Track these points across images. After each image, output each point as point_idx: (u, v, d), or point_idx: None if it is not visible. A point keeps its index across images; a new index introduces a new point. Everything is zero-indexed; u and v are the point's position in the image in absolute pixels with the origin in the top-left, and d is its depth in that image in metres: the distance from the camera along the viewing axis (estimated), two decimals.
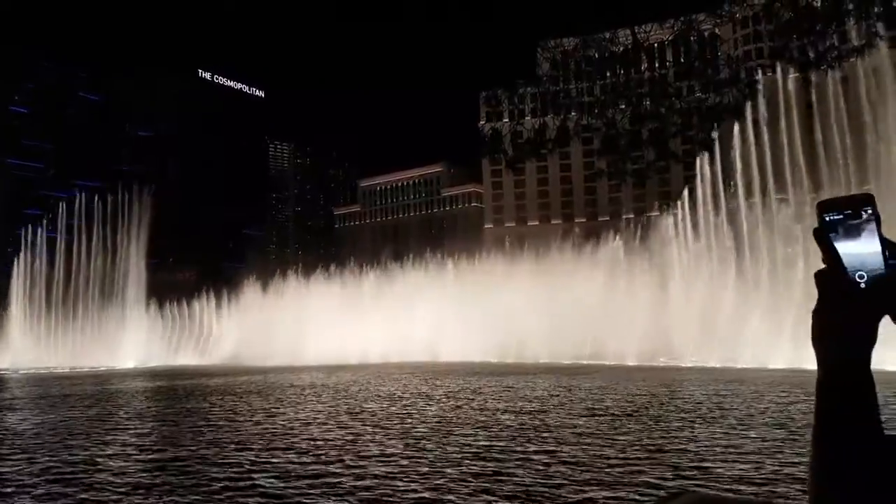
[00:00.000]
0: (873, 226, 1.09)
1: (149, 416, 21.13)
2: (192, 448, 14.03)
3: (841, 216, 1.10)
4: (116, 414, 21.41)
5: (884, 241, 1.08)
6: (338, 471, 11.36)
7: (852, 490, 1.03)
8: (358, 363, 55.72)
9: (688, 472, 10.61)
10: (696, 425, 15.54)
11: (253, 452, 13.29)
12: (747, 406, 19.06)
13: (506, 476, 10.61)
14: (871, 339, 1.07)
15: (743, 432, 14.36)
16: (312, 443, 14.34)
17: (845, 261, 1.07)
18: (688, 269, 51.18)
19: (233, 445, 14.23)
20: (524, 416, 18.05)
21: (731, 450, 12.39)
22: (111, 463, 12.65)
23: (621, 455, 12.08)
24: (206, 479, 10.96)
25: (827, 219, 1.11)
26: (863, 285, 1.05)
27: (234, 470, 11.59)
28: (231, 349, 74.49)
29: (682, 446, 12.89)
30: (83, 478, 11.34)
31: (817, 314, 1.10)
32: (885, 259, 1.07)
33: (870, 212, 1.10)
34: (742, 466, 10.95)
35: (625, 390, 24.93)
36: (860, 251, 1.07)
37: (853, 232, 1.09)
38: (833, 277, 1.08)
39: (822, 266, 1.11)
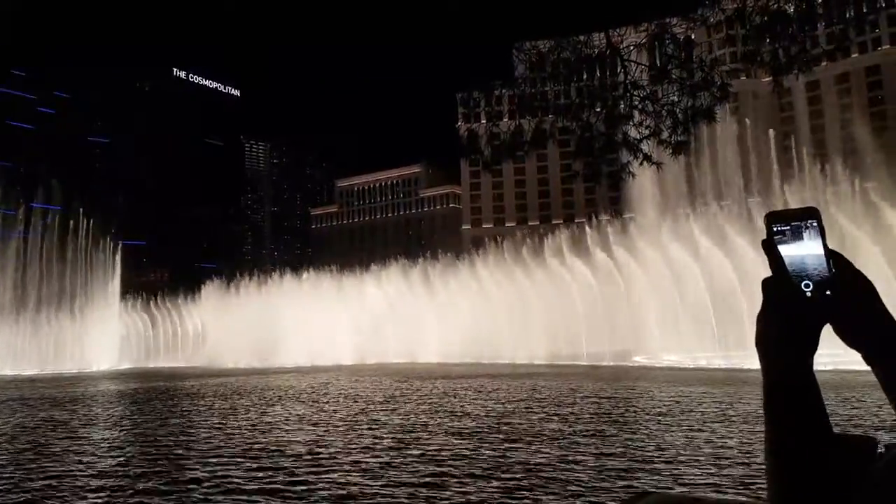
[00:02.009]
0: (818, 237, 1.14)
1: (109, 420, 20.62)
2: (152, 452, 13.70)
3: (788, 227, 1.15)
4: (77, 418, 20.88)
5: (828, 252, 1.13)
6: (300, 478, 11.13)
7: (807, 491, 1.06)
8: (334, 365, 55.29)
9: (660, 474, 10.58)
10: (670, 427, 15.56)
11: (214, 457, 12.99)
12: (718, 407, 19.20)
13: (477, 479, 10.47)
14: (812, 346, 1.12)
15: (717, 433, 14.42)
16: (276, 448, 14.08)
17: (791, 270, 1.12)
18: (660, 271, 51.46)
19: (193, 450, 13.92)
20: (495, 419, 17.95)
21: (707, 451, 12.41)
22: (72, 466, 12.28)
23: (594, 458, 12.02)
24: (171, 482, 10.67)
25: (775, 229, 1.16)
26: (808, 294, 1.10)
27: (193, 474, 11.32)
28: (206, 351, 73.56)
29: (654, 448, 12.87)
30: (34, 485, 10.99)
31: (762, 319, 1.14)
32: (829, 270, 1.12)
33: (815, 224, 1.14)
34: (714, 468, 10.96)
35: (597, 391, 24.97)
36: (805, 261, 1.12)
37: (799, 242, 1.14)
38: (779, 285, 1.12)
39: (770, 274, 1.15)
